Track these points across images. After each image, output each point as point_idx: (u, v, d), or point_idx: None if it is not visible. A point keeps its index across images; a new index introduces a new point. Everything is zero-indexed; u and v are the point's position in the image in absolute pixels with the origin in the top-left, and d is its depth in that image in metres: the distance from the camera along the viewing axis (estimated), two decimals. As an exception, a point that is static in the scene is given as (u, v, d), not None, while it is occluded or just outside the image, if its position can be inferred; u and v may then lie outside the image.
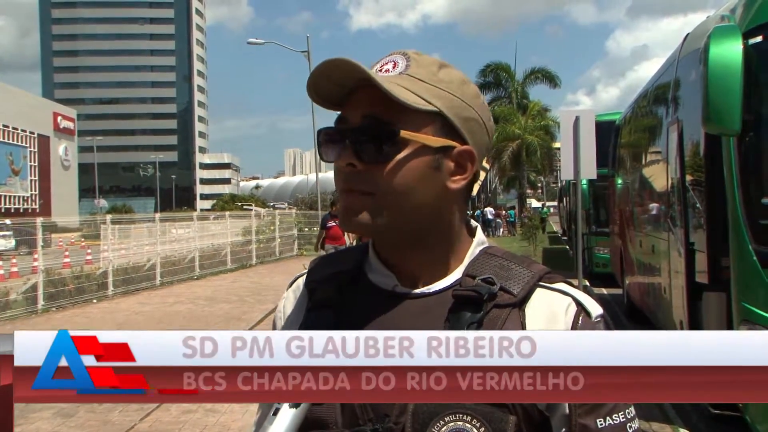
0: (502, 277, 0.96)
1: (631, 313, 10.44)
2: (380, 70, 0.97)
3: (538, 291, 0.97)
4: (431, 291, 0.98)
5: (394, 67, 0.96)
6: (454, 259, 1.01)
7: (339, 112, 0.99)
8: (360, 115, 0.94)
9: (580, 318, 0.95)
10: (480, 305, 0.93)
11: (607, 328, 0.99)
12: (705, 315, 5.04)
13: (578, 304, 0.97)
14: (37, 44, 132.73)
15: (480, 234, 1.05)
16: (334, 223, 13.11)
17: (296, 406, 0.81)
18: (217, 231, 21.24)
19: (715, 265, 4.96)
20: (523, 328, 0.93)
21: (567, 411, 0.93)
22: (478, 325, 0.91)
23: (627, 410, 0.95)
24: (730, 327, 4.69)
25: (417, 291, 0.98)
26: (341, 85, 0.95)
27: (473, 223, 1.07)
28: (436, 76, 0.96)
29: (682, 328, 5.76)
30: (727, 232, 4.62)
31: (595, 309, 0.97)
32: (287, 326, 1.07)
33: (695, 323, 5.27)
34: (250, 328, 10.01)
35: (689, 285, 5.40)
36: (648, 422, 5.57)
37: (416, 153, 0.94)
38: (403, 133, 0.92)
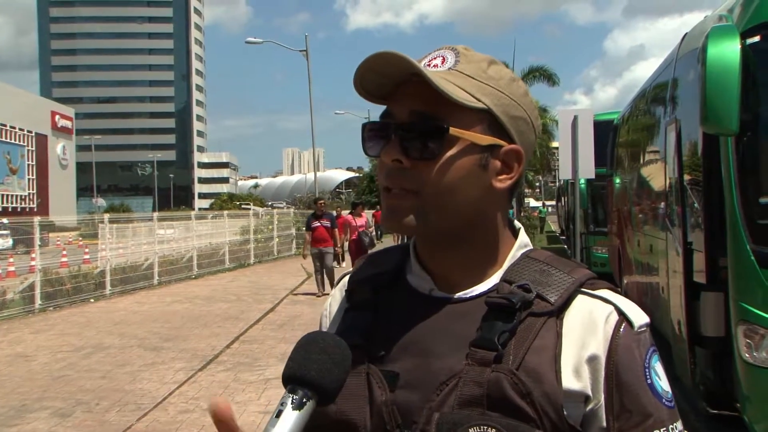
0: (541, 284, 0.92)
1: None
2: (428, 65, 0.94)
3: (579, 298, 0.92)
4: (468, 296, 0.95)
5: (443, 63, 0.94)
6: (494, 263, 0.98)
7: (384, 107, 0.96)
8: (408, 110, 0.92)
9: (622, 327, 0.90)
10: (513, 313, 0.89)
11: (653, 339, 0.94)
12: (703, 315, 5.03)
13: (620, 312, 0.92)
14: (35, 43, 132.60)
15: (523, 236, 1.02)
16: (318, 224, 12.71)
17: (300, 408, 0.80)
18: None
19: (713, 264, 4.95)
20: (559, 337, 0.89)
21: (604, 424, 0.89)
22: (511, 334, 0.88)
23: (671, 426, 0.90)
24: (728, 326, 4.68)
25: (454, 296, 0.96)
26: (387, 78, 0.93)
27: (517, 224, 1.04)
28: (485, 72, 0.94)
29: (680, 328, 5.75)
30: (725, 231, 4.62)
31: (640, 318, 0.92)
32: (331, 325, 1.06)
33: (693, 323, 5.26)
34: (249, 327, 10.01)
35: (687, 285, 5.39)
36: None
37: (464, 151, 0.92)
38: (453, 131, 0.90)
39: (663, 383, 0.92)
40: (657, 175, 7.41)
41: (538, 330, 0.89)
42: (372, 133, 0.96)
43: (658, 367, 0.93)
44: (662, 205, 7.06)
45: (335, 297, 1.09)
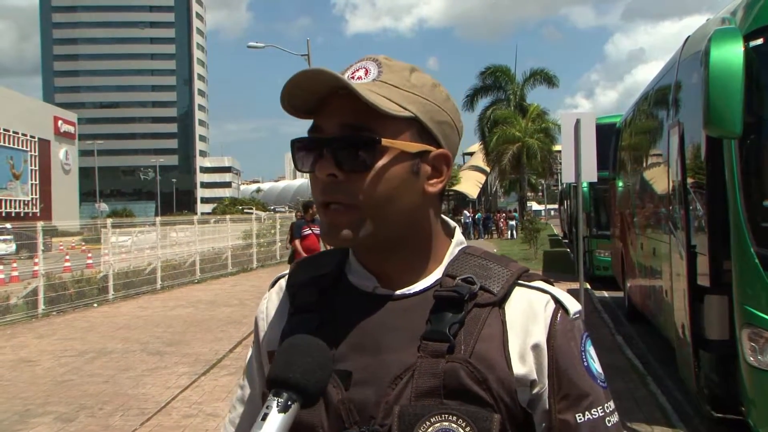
0: (482, 277, 0.96)
1: (632, 315, 10.43)
2: (352, 77, 0.96)
3: (517, 289, 0.97)
4: (412, 292, 0.98)
5: (366, 74, 0.96)
6: (434, 260, 1.01)
7: (311, 121, 0.97)
8: (337, 123, 0.93)
9: (559, 315, 0.96)
10: (461, 305, 0.93)
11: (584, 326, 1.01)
12: (707, 318, 5.02)
13: (556, 301, 0.97)
14: (37, 48, 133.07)
15: (458, 234, 1.05)
16: (309, 231, 11.15)
17: (285, 410, 0.80)
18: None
19: (717, 267, 4.93)
20: (504, 326, 0.94)
21: (547, 407, 0.94)
22: (460, 325, 0.92)
23: (606, 405, 0.96)
24: (732, 330, 4.67)
25: (398, 292, 0.98)
26: (313, 93, 0.94)
27: (451, 223, 1.07)
28: (408, 81, 0.96)
29: (684, 331, 5.74)
30: (728, 234, 4.61)
31: (573, 306, 0.98)
32: (270, 328, 1.08)
33: (697, 326, 5.25)
34: (251, 332, 9.99)
35: (691, 288, 5.38)
36: (650, 426, 5.55)
37: (396, 159, 0.93)
38: (385, 141, 0.92)
39: (597, 365, 0.99)
40: (660, 178, 7.40)
41: (485, 319, 0.94)
42: (302, 148, 0.98)
43: (592, 351, 1.00)
44: (665, 208, 7.05)
45: (271, 299, 1.11)
